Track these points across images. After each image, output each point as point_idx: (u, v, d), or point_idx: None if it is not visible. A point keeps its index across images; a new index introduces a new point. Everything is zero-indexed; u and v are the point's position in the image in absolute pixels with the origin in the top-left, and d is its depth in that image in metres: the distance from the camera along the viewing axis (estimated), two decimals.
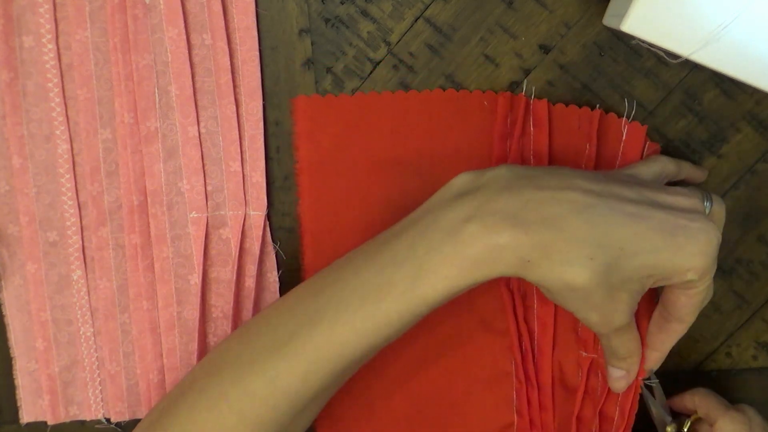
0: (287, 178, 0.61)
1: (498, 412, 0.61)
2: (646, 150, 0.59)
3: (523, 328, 0.60)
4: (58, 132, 0.60)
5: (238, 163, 0.60)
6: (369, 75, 0.60)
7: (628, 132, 0.59)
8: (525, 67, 0.60)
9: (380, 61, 0.60)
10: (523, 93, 0.60)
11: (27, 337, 0.61)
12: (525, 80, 0.60)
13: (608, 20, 0.57)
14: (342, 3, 0.59)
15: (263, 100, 0.60)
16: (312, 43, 0.60)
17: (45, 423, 0.62)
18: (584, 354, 0.60)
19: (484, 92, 0.60)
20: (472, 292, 0.60)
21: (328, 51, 0.60)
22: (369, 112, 0.60)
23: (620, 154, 0.60)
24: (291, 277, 0.62)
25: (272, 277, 0.62)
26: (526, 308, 0.61)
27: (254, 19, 0.59)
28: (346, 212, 0.61)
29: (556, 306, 0.60)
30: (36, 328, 0.61)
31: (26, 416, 0.62)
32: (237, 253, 0.60)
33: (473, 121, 0.60)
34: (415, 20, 0.60)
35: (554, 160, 0.60)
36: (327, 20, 0.60)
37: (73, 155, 0.60)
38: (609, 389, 0.57)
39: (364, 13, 0.59)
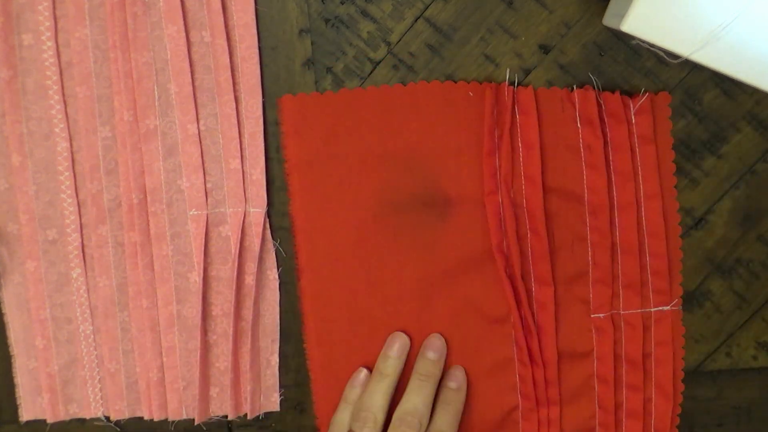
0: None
1: (501, 398, 0.62)
2: (656, 112, 0.60)
3: (525, 310, 0.60)
4: (57, 130, 0.60)
5: (238, 160, 0.60)
6: (369, 75, 0.60)
7: (634, 106, 0.60)
8: (525, 67, 0.60)
9: (380, 61, 0.60)
10: (507, 81, 0.59)
11: (26, 335, 0.61)
12: (525, 80, 0.60)
13: (608, 20, 0.57)
14: (342, 3, 0.59)
15: (263, 99, 0.60)
16: (312, 43, 0.60)
17: (44, 421, 0.62)
18: (601, 316, 0.61)
19: (469, 83, 0.60)
20: (468, 284, 0.60)
21: (328, 51, 0.60)
22: (356, 108, 0.60)
23: (632, 131, 0.60)
24: (291, 275, 0.62)
25: (272, 275, 0.62)
26: (526, 291, 0.61)
27: (254, 17, 0.59)
28: (337, 210, 0.61)
29: (555, 285, 0.61)
30: (35, 326, 0.61)
31: (26, 414, 0.62)
32: (237, 251, 0.60)
33: (461, 113, 0.60)
34: (415, 20, 0.59)
35: (544, 145, 0.60)
36: (327, 20, 0.59)
37: (72, 153, 0.60)
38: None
39: (364, 13, 0.59)
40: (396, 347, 0.61)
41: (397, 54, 0.60)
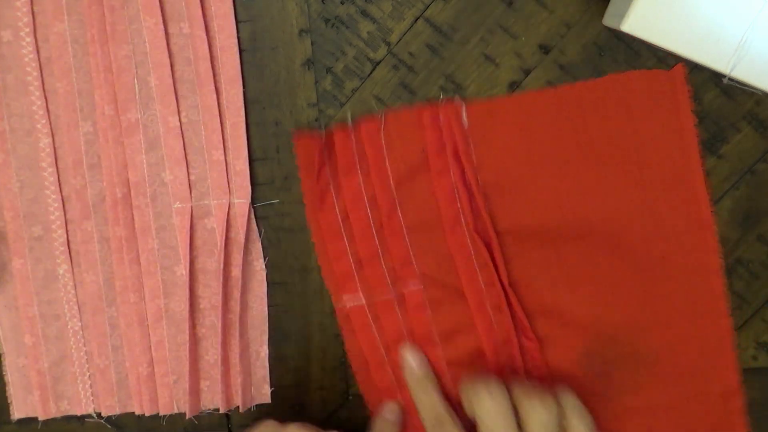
0: (287, 178, 0.60)
1: None
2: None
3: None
4: (39, 126, 0.59)
5: (221, 151, 0.59)
6: (369, 75, 0.59)
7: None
8: (525, 67, 0.58)
9: (380, 61, 0.59)
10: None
11: (15, 332, 0.62)
12: (525, 80, 0.59)
13: (608, 20, 0.56)
14: (342, 3, 0.58)
15: (262, 100, 0.59)
16: (312, 43, 0.59)
17: (44, 421, 0.63)
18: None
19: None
20: None
21: (328, 51, 0.59)
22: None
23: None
24: (291, 275, 0.62)
25: (259, 265, 0.62)
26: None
27: (231, 6, 0.58)
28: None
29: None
30: (24, 323, 0.61)
31: (17, 412, 0.63)
32: (222, 243, 0.60)
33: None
34: (415, 20, 0.58)
35: None
36: (327, 20, 0.58)
37: (55, 149, 0.59)
38: None
39: (364, 13, 0.58)
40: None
41: (397, 54, 0.59)
